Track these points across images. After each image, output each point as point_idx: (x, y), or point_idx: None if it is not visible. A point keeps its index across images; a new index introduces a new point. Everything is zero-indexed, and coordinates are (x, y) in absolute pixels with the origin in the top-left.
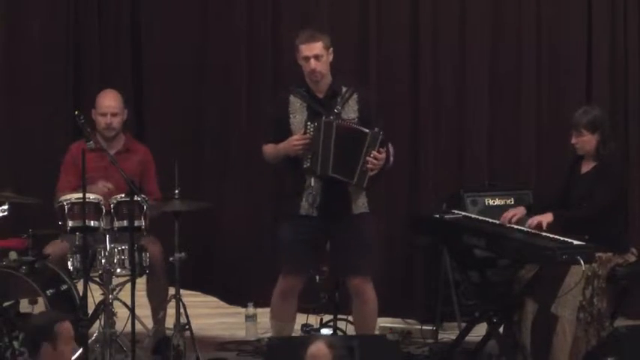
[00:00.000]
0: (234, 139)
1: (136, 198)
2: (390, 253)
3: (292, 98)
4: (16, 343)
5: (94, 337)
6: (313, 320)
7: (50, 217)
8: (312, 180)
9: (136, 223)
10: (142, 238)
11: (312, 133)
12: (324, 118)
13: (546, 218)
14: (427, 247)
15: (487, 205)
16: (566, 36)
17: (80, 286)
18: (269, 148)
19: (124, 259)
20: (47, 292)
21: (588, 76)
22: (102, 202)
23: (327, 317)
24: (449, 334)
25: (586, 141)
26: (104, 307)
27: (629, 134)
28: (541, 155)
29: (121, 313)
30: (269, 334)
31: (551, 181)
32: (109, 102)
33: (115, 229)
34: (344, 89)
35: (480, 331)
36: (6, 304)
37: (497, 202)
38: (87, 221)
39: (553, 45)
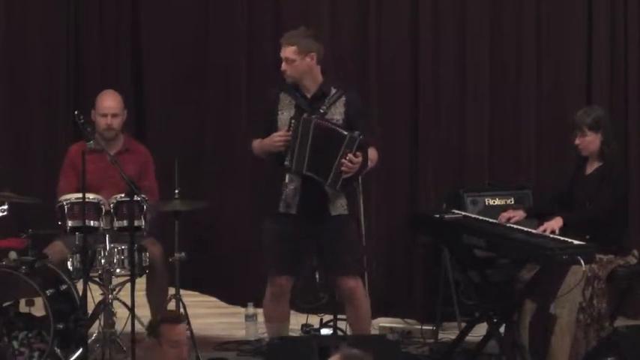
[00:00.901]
0: (234, 139)
1: (135, 198)
2: (390, 253)
3: (282, 95)
4: (15, 343)
5: (93, 337)
6: (313, 320)
7: (50, 217)
8: (287, 177)
9: (136, 223)
10: (141, 238)
11: (292, 130)
12: (304, 115)
13: (558, 224)
14: (427, 247)
15: (487, 205)
16: (566, 36)
17: (80, 285)
18: (256, 143)
19: (123, 259)
20: (47, 292)
21: (588, 76)
22: (102, 202)
23: (327, 317)
24: (449, 334)
25: (590, 141)
26: (104, 307)
27: (629, 134)
28: (541, 155)
29: (121, 313)
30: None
31: (551, 181)
32: (109, 103)
33: (115, 229)
34: (333, 91)
35: (480, 331)
36: (6, 304)
37: (497, 202)
38: (87, 221)
39: (553, 45)
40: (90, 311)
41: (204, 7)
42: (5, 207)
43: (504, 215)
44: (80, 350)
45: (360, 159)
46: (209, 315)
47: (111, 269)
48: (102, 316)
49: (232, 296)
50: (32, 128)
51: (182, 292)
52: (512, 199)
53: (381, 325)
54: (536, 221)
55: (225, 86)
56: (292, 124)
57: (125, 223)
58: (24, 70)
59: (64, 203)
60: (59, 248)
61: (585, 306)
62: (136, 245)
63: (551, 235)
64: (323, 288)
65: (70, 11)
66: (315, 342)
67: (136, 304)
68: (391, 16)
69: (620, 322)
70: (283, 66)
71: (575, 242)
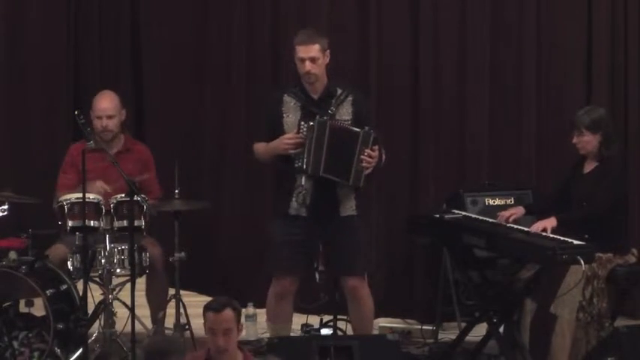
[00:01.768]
0: (234, 139)
1: (135, 198)
2: (390, 253)
3: (286, 98)
4: (15, 343)
5: (93, 337)
6: (313, 320)
7: (50, 217)
8: (303, 179)
9: (136, 223)
10: (141, 238)
11: (304, 132)
12: (317, 117)
13: (551, 223)
14: (427, 247)
15: (487, 205)
16: (566, 36)
17: (80, 285)
18: (260, 147)
19: (123, 259)
20: (47, 291)
21: (588, 76)
22: (102, 202)
23: (327, 317)
24: (449, 334)
25: (587, 141)
26: (104, 307)
27: (629, 134)
28: (541, 155)
29: (121, 313)
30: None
31: (551, 181)
32: (104, 104)
33: (115, 229)
34: (339, 91)
35: (480, 331)
36: (6, 304)
37: (497, 202)
38: (87, 221)
39: (553, 45)
40: (90, 311)
41: (204, 7)
42: (5, 207)
43: (503, 215)
44: (80, 350)
45: (377, 153)
46: None
47: (111, 269)
48: (102, 316)
49: (232, 297)
50: (32, 128)
51: (182, 292)
52: (512, 199)
53: (381, 325)
54: (535, 219)
55: (225, 86)
56: (302, 127)
57: (125, 223)
58: (24, 71)
59: (64, 203)
60: (60, 251)
61: (585, 305)
62: (135, 245)
63: (551, 235)
64: (323, 288)
65: (70, 11)
66: (315, 342)
67: (136, 304)
68: (391, 16)
69: (620, 322)
70: (308, 66)
71: (575, 242)
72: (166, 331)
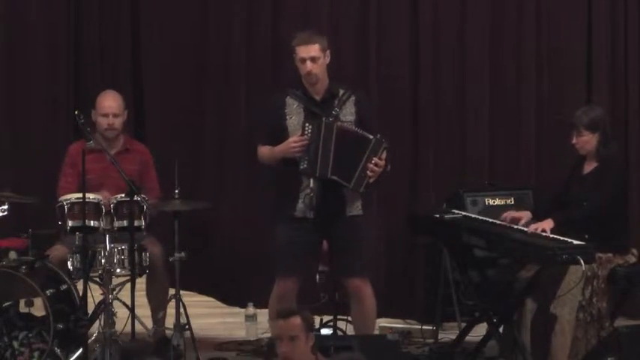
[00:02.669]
0: (234, 139)
1: (135, 198)
2: (390, 253)
3: (289, 100)
4: (15, 343)
5: (93, 337)
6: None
7: (50, 217)
8: (311, 181)
9: (136, 223)
10: (142, 238)
11: (309, 134)
12: (324, 119)
13: (548, 225)
14: (427, 247)
15: (487, 205)
16: (566, 36)
17: (80, 285)
18: (265, 150)
19: (123, 259)
20: (47, 291)
21: (588, 76)
22: (102, 202)
23: (327, 317)
24: (449, 334)
25: (586, 141)
26: (104, 307)
27: (629, 134)
28: (541, 155)
29: (121, 313)
30: (269, 334)
31: (551, 181)
32: (111, 103)
33: (115, 229)
34: (341, 91)
35: (480, 331)
36: (6, 304)
37: (497, 202)
38: (87, 221)
39: (553, 45)
40: (90, 311)
41: (204, 7)
42: (5, 207)
43: (508, 215)
44: (80, 350)
45: (383, 162)
46: (209, 315)
47: (111, 269)
48: (102, 316)
49: (232, 296)
50: (32, 128)
51: (182, 292)
52: (512, 199)
53: (382, 325)
54: (535, 220)
55: (225, 86)
56: (307, 129)
57: (125, 223)
58: (24, 70)
59: (64, 203)
60: (60, 251)
61: (585, 305)
62: (135, 245)
63: (551, 235)
64: (323, 288)
65: (70, 11)
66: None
67: (136, 304)
68: (391, 16)
69: (620, 322)
70: (309, 66)
71: (575, 242)
72: (166, 331)
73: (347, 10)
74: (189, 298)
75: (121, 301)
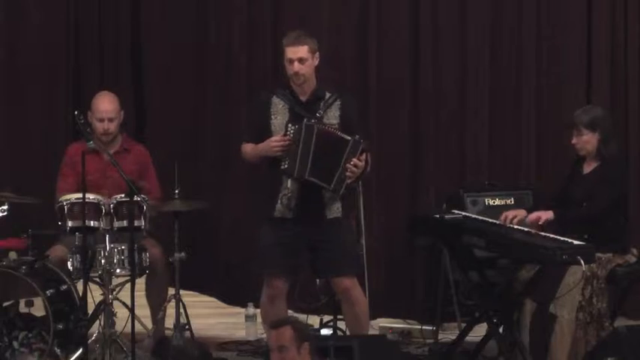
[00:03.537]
0: (234, 139)
1: (135, 198)
2: (390, 253)
3: (275, 99)
4: (15, 343)
5: (93, 338)
6: (313, 320)
7: (50, 217)
8: (289, 182)
9: (136, 223)
10: (142, 239)
11: (292, 135)
12: (305, 120)
13: (546, 215)
14: (427, 247)
15: (487, 205)
16: (566, 36)
17: (80, 286)
18: (248, 148)
19: (123, 259)
20: (47, 292)
21: (588, 76)
22: (102, 202)
23: (326, 318)
24: (449, 334)
25: (586, 140)
26: (104, 307)
27: (629, 134)
28: (541, 155)
29: (121, 313)
30: None
31: (551, 181)
32: (106, 106)
33: (115, 229)
34: (327, 94)
35: (480, 331)
36: (6, 304)
37: (497, 202)
38: (87, 221)
39: (553, 45)
40: (90, 311)
41: (204, 7)
42: (5, 207)
43: (507, 215)
44: (80, 350)
45: (363, 163)
46: (209, 315)
47: (111, 269)
48: (102, 317)
49: (232, 296)
50: (32, 128)
51: (182, 292)
52: (512, 200)
53: (381, 325)
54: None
55: (225, 86)
56: (290, 129)
57: (125, 223)
58: (24, 70)
59: (64, 203)
60: (60, 251)
61: (585, 305)
62: (135, 245)
63: (551, 235)
64: (323, 289)
65: (70, 11)
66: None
67: (136, 304)
68: (391, 16)
69: (620, 322)
70: (296, 67)
71: (575, 242)
72: (166, 332)
73: (347, 10)
74: (189, 298)
75: (120, 301)
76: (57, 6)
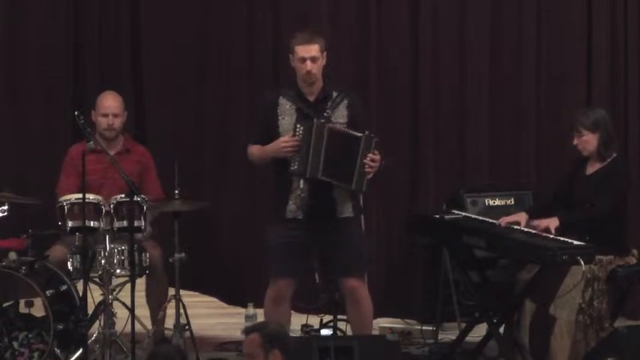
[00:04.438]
0: (235, 140)
1: (135, 198)
2: (390, 253)
3: (282, 100)
4: (15, 344)
5: (93, 338)
6: (313, 321)
7: (50, 217)
8: (301, 182)
9: (136, 224)
10: (142, 240)
11: (301, 135)
12: (315, 120)
13: (554, 223)
14: (427, 247)
15: (487, 206)
16: (566, 36)
17: (80, 286)
18: (255, 149)
19: (123, 260)
20: (47, 292)
21: (588, 76)
22: (102, 203)
23: (327, 318)
24: (449, 334)
25: (587, 141)
26: (104, 307)
27: (629, 134)
28: (541, 155)
29: (121, 313)
30: None
31: (551, 181)
32: (111, 103)
33: (115, 229)
34: (335, 94)
35: (480, 331)
36: (6, 304)
37: (497, 202)
38: (87, 221)
39: (553, 45)
40: (90, 312)
41: (204, 7)
42: (5, 207)
43: (506, 219)
44: (80, 351)
45: (379, 157)
46: (209, 315)
47: (111, 270)
48: (102, 317)
49: (232, 296)
50: (32, 128)
51: (182, 292)
52: (512, 200)
53: (381, 325)
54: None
55: (225, 86)
56: (298, 129)
57: (125, 223)
58: (24, 70)
59: (64, 204)
60: (60, 251)
61: (585, 307)
62: (135, 245)
63: (552, 236)
64: (323, 289)
65: (69, 11)
66: (315, 342)
67: (135, 304)
68: (391, 16)
69: (620, 323)
70: (309, 66)
71: (575, 243)
72: (166, 332)
73: (347, 10)
74: (189, 298)
75: (120, 301)
76: (57, 6)
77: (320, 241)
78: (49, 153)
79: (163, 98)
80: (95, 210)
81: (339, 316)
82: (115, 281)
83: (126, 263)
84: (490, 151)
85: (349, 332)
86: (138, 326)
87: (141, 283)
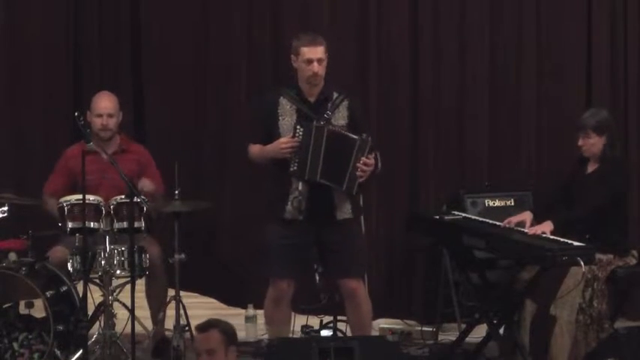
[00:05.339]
0: (234, 140)
1: (135, 199)
2: (389, 254)
3: (282, 100)
4: (15, 345)
5: (93, 339)
6: (313, 321)
7: (50, 218)
8: (300, 184)
9: (136, 225)
10: (141, 239)
11: (300, 136)
12: (315, 122)
13: (547, 227)
14: (427, 248)
15: (487, 207)
16: (566, 36)
17: (80, 287)
18: (255, 149)
19: (123, 261)
20: (47, 293)
21: (588, 76)
22: (101, 204)
23: (327, 318)
24: (449, 335)
25: (593, 143)
26: (104, 308)
27: (629, 134)
28: (541, 156)
29: (121, 314)
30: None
31: (551, 181)
32: (105, 103)
33: (115, 230)
34: (335, 95)
35: (480, 332)
36: (6, 305)
37: (497, 203)
38: (87, 222)
39: (553, 45)
40: (90, 313)
41: (204, 7)
42: (5, 208)
43: (510, 220)
44: (80, 352)
45: (372, 161)
46: (209, 316)
47: (111, 270)
48: (102, 318)
49: (232, 298)
50: (32, 128)
51: (182, 293)
52: (512, 201)
53: (381, 326)
54: (534, 222)
55: (225, 86)
56: (298, 131)
57: (125, 224)
58: (24, 70)
59: (64, 204)
60: (60, 253)
61: (585, 307)
62: (135, 246)
63: (552, 237)
64: (323, 289)
65: (70, 11)
66: (315, 343)
67: (136, 305)
68: (391, 16)
69: (620, 324)
70: (316, 67)
71: (575, 243)
72: (166, 333)
73: (347, 10)
74: (189, 299)
75: (120, 302)
76: (57, 6)
77: (319, 242)
78: (49, 154)
79: (163, 98)
80: (95, 211)
81: (339, 317)
82: (115, 282)
83: (126, 264)
84: (490, 151)
85: (349, 333)
86: (138, 327)
87: (141, 284)
